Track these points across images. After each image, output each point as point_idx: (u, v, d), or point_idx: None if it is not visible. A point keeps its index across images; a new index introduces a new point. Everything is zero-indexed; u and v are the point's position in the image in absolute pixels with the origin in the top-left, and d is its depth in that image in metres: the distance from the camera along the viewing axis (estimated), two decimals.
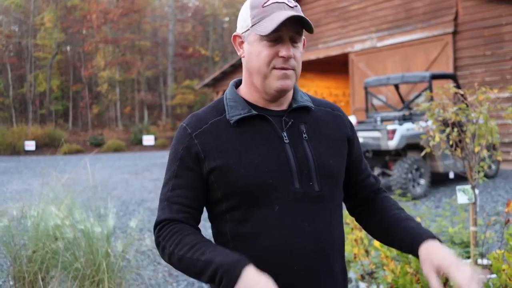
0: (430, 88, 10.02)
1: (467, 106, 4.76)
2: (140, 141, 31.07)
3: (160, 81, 44.69)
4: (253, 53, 1.62)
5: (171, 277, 5.78)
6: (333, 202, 1.69)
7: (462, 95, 4.79)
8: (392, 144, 9.65)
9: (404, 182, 9.48)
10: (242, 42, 1.68)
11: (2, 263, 4.90)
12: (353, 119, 12.34)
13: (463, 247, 4.86)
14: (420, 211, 6.12)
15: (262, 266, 1.47)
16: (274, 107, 1.68)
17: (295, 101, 1.72)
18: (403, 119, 10.19)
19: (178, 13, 47.44)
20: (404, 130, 9.67)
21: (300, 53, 1.64)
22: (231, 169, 1.57)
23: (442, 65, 14.07)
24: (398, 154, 10.33)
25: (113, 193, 11.85)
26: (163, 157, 25.04)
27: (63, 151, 27.06)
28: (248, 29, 1.62)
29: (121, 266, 4.17)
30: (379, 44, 15.73)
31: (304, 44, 1.69)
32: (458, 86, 9.35)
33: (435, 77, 10.37)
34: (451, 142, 4.63)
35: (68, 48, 43.46)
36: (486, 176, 10.94)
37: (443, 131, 4.88)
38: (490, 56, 13.04)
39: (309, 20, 1.59)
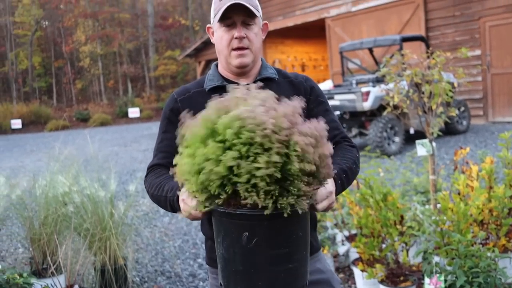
0: (401, 50, 10.54)
1: (429, 68, 5.34)
2: (125, 114, 31.28)
3: (142, 53, 44.68)
4: (217, 38, 2.05)
5: (167, 237, 6.38)
6: None
7: (427, 57, 5.36)
8: (367, 105, 10.22)
9: (379, 140, 10.09)
10: (213, 32, 2.10)
11: (20, 230, 5.43)
12: (329, 83, 12.91)
13: (426, 195, 5.48)
14: (386, 165, 6.73)
15: None
16: (243, 80, 2.07)
17: (260, 74, 2.12)
18: (377, 81, 10.72)
19: None
20: (377, 91, 10.19)
21: (254, 33, 2.03)
22: None
23: (415, 27, 14.57)
24: (373, 114, 10.91)
25: (104, 165, 12.32)
26: (150, 128, 25.44)
27: (49, 128, 27.36)
28: (213, 21, 2.05)
29: (124, 225, 4.74)
30: (354, 9, 16.18)
31: (265, 28, 2.13)
32: (427, 47, 9.88)
33: (405, 39, 10.90)
34: (407, 102, 5.21)
35: (48, 24, 43.29)
36: (458, 131, 11.60)
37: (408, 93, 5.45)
38: (459, 16, 13.56)
39: (250, 6, 1.97)
